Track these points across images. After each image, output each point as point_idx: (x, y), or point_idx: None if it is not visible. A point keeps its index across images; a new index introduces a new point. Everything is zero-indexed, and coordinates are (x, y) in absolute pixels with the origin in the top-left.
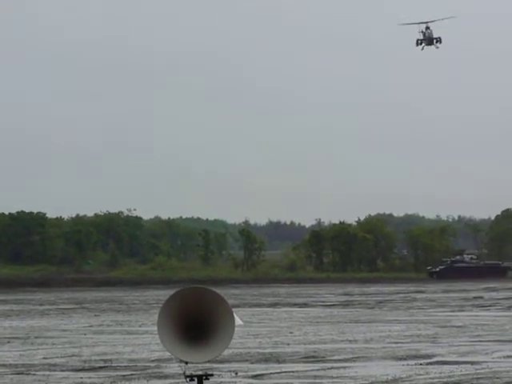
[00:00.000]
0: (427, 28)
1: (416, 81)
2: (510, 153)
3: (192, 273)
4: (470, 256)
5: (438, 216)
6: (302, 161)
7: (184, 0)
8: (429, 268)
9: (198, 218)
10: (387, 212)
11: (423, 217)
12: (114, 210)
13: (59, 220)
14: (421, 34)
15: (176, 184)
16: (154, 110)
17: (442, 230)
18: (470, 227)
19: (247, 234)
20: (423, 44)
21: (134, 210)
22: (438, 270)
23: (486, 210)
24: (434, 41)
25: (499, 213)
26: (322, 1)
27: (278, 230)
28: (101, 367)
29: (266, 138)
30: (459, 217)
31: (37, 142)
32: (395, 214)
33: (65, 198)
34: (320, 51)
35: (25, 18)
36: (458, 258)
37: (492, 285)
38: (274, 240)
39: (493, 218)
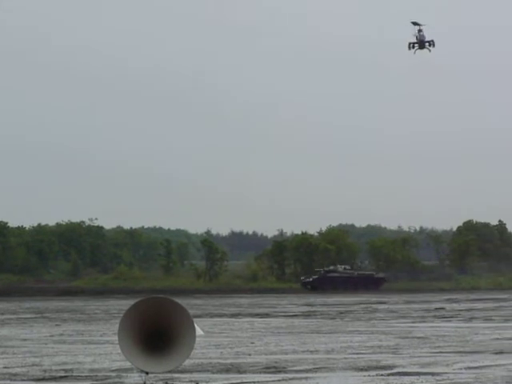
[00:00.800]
0: (419, 31)
1: (375, 97)
2: (470, 166)
3: (154, 283)
4: (343, 266)
5: (399, 227)
6: (265, 171)
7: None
8: (302, 278)
9: (160, 228)
10: (349, 223)
11: (385, 228)
12: (75, 219)
13: (21, 229)
14: (414, 37)
15: (138, 194)
16: (116, 120)
17: (403, 241)
18: (431, 238)
19: (209, 244)
20: (416, 47)
21: (96, 219)
22: (311, 280)
23: (447, 221)
24: (427, 44)
25: (461, 224)
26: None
27: (240, 241)
28: (61, 377)
29: (230, 146)
30: (421, 228)
31: None
32: (357, 225)
33: (27, 207)
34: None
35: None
36: (331, 267)
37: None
38: (236, 250)
39: (454, 229)
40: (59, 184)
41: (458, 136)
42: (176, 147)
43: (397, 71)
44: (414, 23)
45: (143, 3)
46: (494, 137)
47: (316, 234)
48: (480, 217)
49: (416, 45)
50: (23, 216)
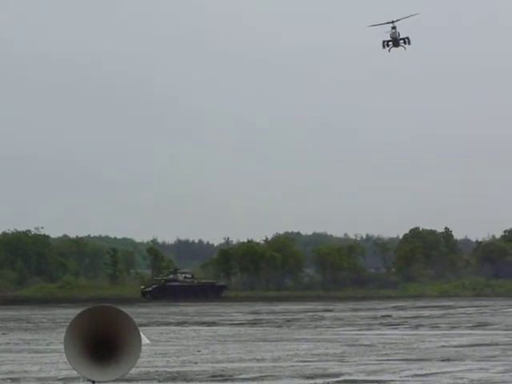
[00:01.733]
0: (393, 28)
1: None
2: (417, 173)
3: (100, 291)
4: (184, 275)
5: (346, 235)
6: (210, 179)
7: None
8: (142, 288)
9: (106, 237)
10: (295, 231)
11: (331, 235)
12: (21, 228)
13: None
14: (387, 34)
15: (84, 202)
16: (63, 126)
17: (349, 249)
18: (378, 246)
19: (155, 252)
20: (390, 45)
21: (42, 228)
22: (151, 289)
23: (394, 229)
24: (401, 41)
25: (407, 231)
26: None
27: (186, 249)
28: None
29: (174, 153)
30: (367, 235)
31: None
32: (303, 233)
33: None
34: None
35: None
36: (171, 276)
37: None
38: (182, 259)
39: (401, 236)
40: (4, 192)
41: (406, 143)
42: (123, 156)
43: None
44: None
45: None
46: (440, 144)
47: (262, 242)
48: (426, 224)
49: (390, 43)
50: None
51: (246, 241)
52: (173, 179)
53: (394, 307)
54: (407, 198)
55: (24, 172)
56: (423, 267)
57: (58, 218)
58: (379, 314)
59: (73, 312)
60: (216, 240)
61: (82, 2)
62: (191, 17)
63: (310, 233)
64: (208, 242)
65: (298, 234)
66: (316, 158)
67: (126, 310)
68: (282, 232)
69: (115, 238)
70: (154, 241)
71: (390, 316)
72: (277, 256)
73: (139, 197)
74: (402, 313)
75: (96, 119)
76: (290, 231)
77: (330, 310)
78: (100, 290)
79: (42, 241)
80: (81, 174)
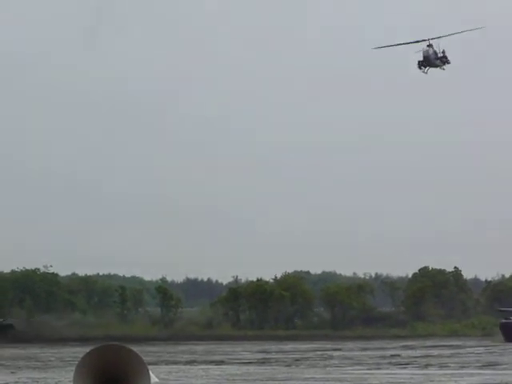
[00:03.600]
0: (429, 46)
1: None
2: (426, 212)
3: (108, 330)
4: None
5: (354, 273)
6: (215, 215)
7: None
8: None
9: (115, 275)
10: (304, 269)
11: (340, 274)
12: (30, 266)
13: None
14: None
15: (93, 240)
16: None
17: (358, 288)
18: (387, 285)
19: (164, 290)
20: (426, 66)
21: (51, 266)
22: None
23: (403, 268)
24: (437, 61)
25: (416, 270)
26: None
27: (195, 287)
28: None
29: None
30: (376, 274)
31: None
32: (312, 272)
33: None
34: None
35: None
36: None
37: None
38: (191, 297)
39: (410, 275)
40: (14, 231)
41: (416, 185)
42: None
43: None
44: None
45: None
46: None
47: (271, 280)
48: (435, 263)
49: (425, 63)
50: None
51: (255, 279)
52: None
53: (403, 346)
54: (416, 237)
55: (33, 212)
56: (433, 306)
57: (67, 256)
58: (388, 353)
59: (81, 350)
60: (225, 278)
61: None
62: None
63: (319, 271)
64: (217, 281)
65: (308, 272)
66: (322, 196)
67: (134, 348)
68: (291, 271)
69: (124, 277)
70: (162, 279)
71: (398, 355)
72: (286, 295)
73: (148, 236)
74: (411, 352)
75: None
76: (299, 270)
77: (339, 349)
78: (108, 328)
79: (50, 279)
80: (89, 207)
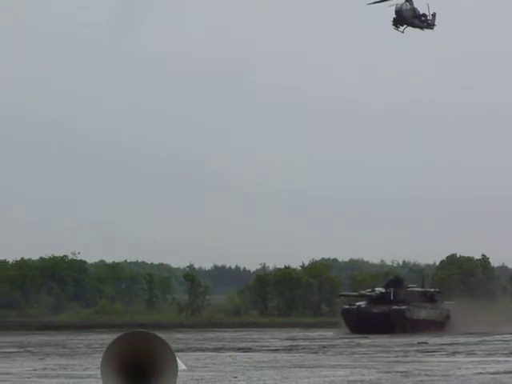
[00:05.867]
0: (407, 1)
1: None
2: (449, 199)
3: (136, 317)
4: None
5: (382, 261)
6: (247, 204)
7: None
8: None
9: (143, 262)
10: (332, 257)
11: (368, 261)
12: (59, 253)
13: (3, 263)
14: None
15: (120, 227)
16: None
17: (386, 275)
18: (414, 272)
19: (192, 278)
20: (402, 25)
21: (79, 253)
22: None
23: (431, 255)
24: (416, 20)
25: (444, 258)
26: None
27: (223, 275)
28: None
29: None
30: (404, 262)
31: None
32: (340, 259)
33: (9, 241)
34: None
35: None
36: None
37: None
38: (219, 284)
39: (438, 263)
40: (43, 219)
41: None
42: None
43: None
44: None
45: None
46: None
47: (299, 267)
48: (463, 251)
49: (399, 20)
50: (5, 250)
51: (282, 267)
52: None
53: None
54: (444, 224)
55: (62, 200)
56: (460, 294)
57: (95, 243)
58: (415, 340)
59: (109, 337)
60: (252, 266)
61: None
62: None
63: (346, 259)
64: (245, 268)
65: (335, 260)
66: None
67: (162, 335)
68: (318, 258)
69: (152, 264)
70: (190, 266)
71: (426, 343)
72: (313, 282)
73: (175, 222)
74: (438, 339)
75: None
76: (326, 257)
77: (366, 337)
78: (136, 315)
79: (78, 266)
80: (114, 206)
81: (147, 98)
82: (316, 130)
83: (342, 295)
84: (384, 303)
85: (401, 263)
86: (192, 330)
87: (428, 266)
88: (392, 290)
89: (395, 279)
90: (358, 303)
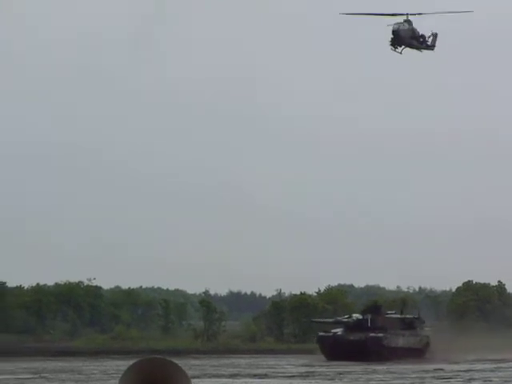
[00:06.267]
0: (406, 21)
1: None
2: (466, 225)
3: (152, 343)
4: None
5: (398, 287)
6: (263, 230)
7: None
8: None
9: (159, 288)
10: (348, 283)
11: (384, 288)
12: (74, 279)
13: (19, 289)
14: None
15: (136, 253)
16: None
17: (402, 302)
18: (430, 299)
19: (207, 304)
20: (401, 45)
21: (94, 279)
22: None
23: (447, 282)
24: (414, 40)
25: (460, 284)
26: None
27: (238, 301)
28: None
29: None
30: (420, 288)
31: None
32: (356, 285)
33: (25, 266)
34: None
35: None
36: None
37: None
38: (234, 310)
39: (454, 289)
40: (56, 243)
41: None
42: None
43: None
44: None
45: None
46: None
47: (314, 294)
48: (479, 277)
49: (397, 41)
50: (22, 276)
51: (298, 293)
52: (215, 231)
53: (446, 360)
54: (461, 251)
55: (75, 226)
56: (476, 320)
57: (111, 269)
58: (431, 367)
59: (124, 363)
60: (268, 292)
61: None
62: None
63: (362, 285)
64: (260, 294)
65: (351, 286)
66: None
67: (178, 361)
68: (334, 284)
69: (167, 290)
70: (206, 292)
71: (442, 369)
72: (329, 308)
73: (192, 249)
74: (454, 366)
75: None
76: (342, 283)
77: (383, 363)
78: (152, 341)
79: (94, 292)
80: (130, 230)
81: (167, 121)
82: (322, 150)
83: (313, 321)
84: (361, 330)
85: (417, 289)
86: (208, 356)
87: (444, 292)
88: (369, 316)
89: (373, 305)
90: (334, 330)
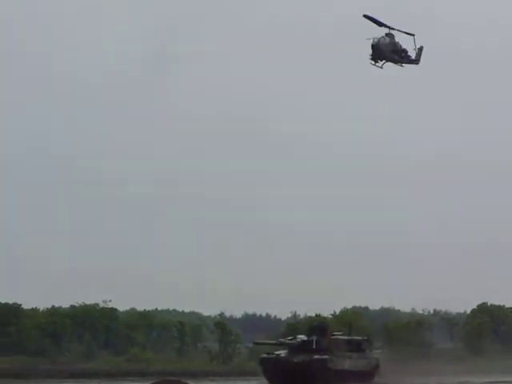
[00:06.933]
0: (388, 35)
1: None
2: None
3: (167, 365)
4: None
5: (413, 309)
6: (277, 251)
7: None
8: None
9: (174, 310)
10: (363, 305)
11: (399, 310)
12: (89, 301)
13: (34, 311)
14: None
15: (151, 275)
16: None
17: (417, 324)
18: (445, 321)
19: (222, 326)
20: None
21: (110, 301)
22: None
23: (461, 304)
24: (395, 56)
25: (475, 306)
26: None
27: (253, 323)
28: None
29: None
30: (435, 310)
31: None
32: (371, 307)
33: (40, 289)
34: None
35: None
36: None
37: None
38: (249, 332)
39: (468, 311)
40: (71, 266)
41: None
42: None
43: None
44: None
45: None
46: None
47: (330, 316)
48: (494, 299)
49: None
50: (37, 298)
51: (313, 315)
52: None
53: (461, 382)
54: (475, 273)
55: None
56: (491, 343)
57: (126, 291)
58: (449, 381)
59: None
60: (283, 314)
61: None
62: None
63: (377, 307)
64: (275, 316)
65: (366, 308)
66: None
67: (193, 383)
68: (349, 306)
69: (183, 312)
70: (221, 314)
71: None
72: (344, 330)
73: (205, 272)
74: (477, 379)
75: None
76: (357, 305)
77: None
78: (167, 363)
79: (109, 314)
80: (145, 251)
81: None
82: (335, 173)
83: (256, 343)
84: (305, 352)
85: (432, 312)
86: (223, 378)
87: (459, 314)
88: (315, 338)
89: (318, 326)
90: (278, 352)
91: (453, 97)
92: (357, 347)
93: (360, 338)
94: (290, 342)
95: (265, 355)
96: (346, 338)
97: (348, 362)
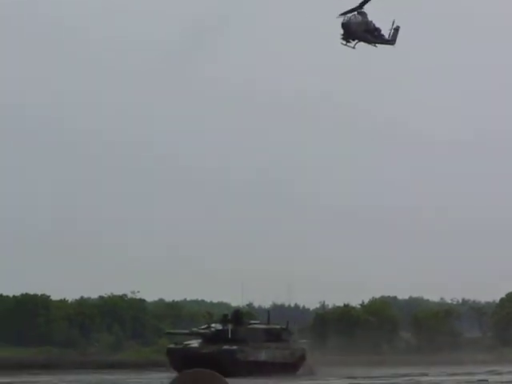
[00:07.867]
0: (360, 13)
1: None
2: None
3: None
4: None
5: (442, 299)
6: (305, 242)
7: None
8: None
9: (203, 301)
10: (391, 295)
11: (427, 300)
12: (118, 292)
13: (63, 302)
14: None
15: (180, 266)
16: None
17: (446, 313)
18: (474, 310)
19: (250, 316)
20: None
21: (138, 292)
22: None
23: (490, 293)
24: (369, 35)
25: (504, 295)
26: None
27: (282, 313)
28: None
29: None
30: (463, 299)
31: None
32: (399, 297)
33: (69, 280)
34: None
35: None
36: None
37: None
38: (278, 322)
39: (497, 300)
40: (100, 256)
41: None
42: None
43: None
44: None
45: None
46: None
47: (358, 306)
48: None
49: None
50: (65, 289)
51: (342, 305)
52: (268, 246)
53: (490, 371)
54: (504, 262)
55: (118, 235)
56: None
57: (154, 281)
58: (475, 378)
59: (168, 376)
60: (312, 304)
61: None
62: None
63: (406, 297)
64: (304, 306)
65: (395, 298)
66: (410, 224)
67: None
68: (378, 296)
69: (211, 302)
70: (249, 305)
71: (486, 380)
72: (372, 320)
73: (233, 262)
74: (498, 377)
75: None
76: (386, 295)
77: (426, 375)
78: None
79: (137, 305)
80: (174, 243)
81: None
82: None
83: (168, 333)
84: (218, 342)
85: (460, 301)
86: None
87: (488, 303)
88: (230, 326)
89: (234, 314)
90: (188, 342)
91: None
92: (276, 337)
93: (279, 327)
94: (203, 331)
95: (172, 346)
96: (263, 326)
97: (265, 353)
